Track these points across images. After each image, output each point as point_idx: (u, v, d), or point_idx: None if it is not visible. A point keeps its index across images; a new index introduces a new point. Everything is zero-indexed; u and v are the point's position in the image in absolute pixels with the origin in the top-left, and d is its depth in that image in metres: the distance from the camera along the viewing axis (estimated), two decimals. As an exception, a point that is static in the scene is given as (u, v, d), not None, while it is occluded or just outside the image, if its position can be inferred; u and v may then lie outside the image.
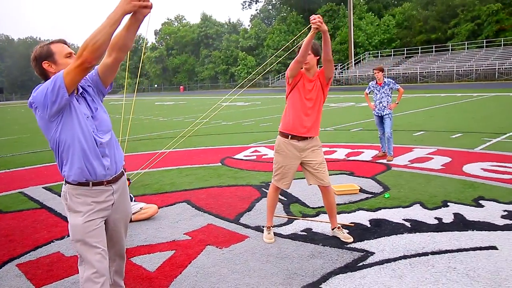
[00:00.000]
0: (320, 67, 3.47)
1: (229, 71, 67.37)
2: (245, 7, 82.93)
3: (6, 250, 3.74)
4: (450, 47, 43.56)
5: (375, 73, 6.72)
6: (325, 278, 2.92)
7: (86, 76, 2.14)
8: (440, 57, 42.84)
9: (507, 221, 3.79)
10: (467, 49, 42.63)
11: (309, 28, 3.06)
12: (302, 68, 3.41)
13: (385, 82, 6.74)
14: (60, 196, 5.37)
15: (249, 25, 74.24)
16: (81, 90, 2.16)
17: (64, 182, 2.20)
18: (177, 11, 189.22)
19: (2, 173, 7.35)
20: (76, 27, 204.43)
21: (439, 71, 38.69)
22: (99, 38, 1.84)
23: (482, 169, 5.74)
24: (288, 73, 3.40)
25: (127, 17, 1.90)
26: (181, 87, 73.76)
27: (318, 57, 3.36)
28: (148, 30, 2.47)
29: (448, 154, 6.86)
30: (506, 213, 4.01)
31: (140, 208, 4.38)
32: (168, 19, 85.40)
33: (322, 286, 2.80)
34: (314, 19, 2.95)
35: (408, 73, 40.82)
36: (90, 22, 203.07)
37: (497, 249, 3.24)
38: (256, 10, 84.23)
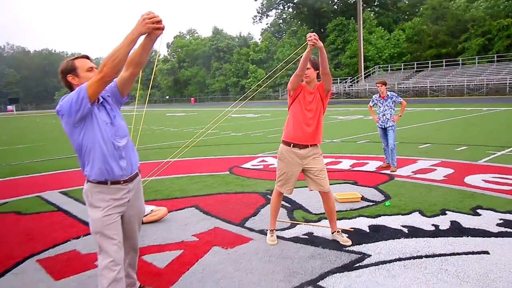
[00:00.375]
0: (320, 80, 3.71)
1: (240, 83, 68.08)
2: (256, 21, 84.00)
3: (26, 247, 4.00)
4: (460, 62, 43.58)
5: (378, 86, 6.95)
6: (322, 276, 3.11)
7: (106, 88, 2.41)
8: (451, 72, 42.85)
9: (502, 229, 3.94)
10: (477, 63, 42.61)
11: (306, 45, 3.32)
12: (302, 81, 3.66)
13: (388, 95, 6.96)
14: (75, 200, 5.67)
15: (259, 39, 75.21)
16: (101, 100, 2.43)
17: (86, 181, 2.46)
18: (189, 25, 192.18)
19: (20, 179, 7.69)
20: (90, 40, 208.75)
21: (450, 85, 38.69)
22: (117, 56, 2.11)
23: (483, 180, 5.89)
24: (289, 86, 3.65)
25: (142, 37, 2.18)
26: (192, 99, 74.67)
27: (317, 71, 3.61)
28: (160, 46, 2.74)
29: (451, 165, 7.00)
30: (501, 221, 4.16)
31: (151, 211, 4.63)
32: (180, 32, 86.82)
33: (320, 284, 3.00)
34: (310, 36, 3.21)
35: (418, 87, 40.87)
36: (102, 34, 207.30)
37: (489, 253, 3.40)
38: (266, 24, 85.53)
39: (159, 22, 2.13)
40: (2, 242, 4.18)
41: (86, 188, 2.45)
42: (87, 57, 2.50)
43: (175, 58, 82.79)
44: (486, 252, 3.42)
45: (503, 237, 3.75)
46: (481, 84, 36.40)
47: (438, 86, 39.58)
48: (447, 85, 38.88)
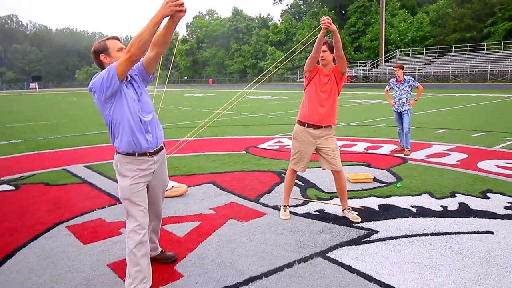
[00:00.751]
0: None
1: (258, 65, 67.78)
2: (276, 2, 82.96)
3: (56, 215, 4.31)
4: (485, 47, 42.34)
5: (395, 70, 6.99)
6: (331, 249, 3.31)
7: (134, 67, 2.60)
8: (474, 57, 41.70)
9: (509, 211, 4.05)
10: (503, 49, 41.32)
11: (320, 29, 3.43)
12: (319, 63, 3.79)
13: (405, 79, 6.99)
14: (99, 174, 5.97)
15: (279, 20, 74.26)
16: (129, 78, 2.62)
17: (115, 152, 2.68)
18: (209, 5, 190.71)
19: (46, 153, 8.07)
20: (110, 19, 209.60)
21: (473, 71, 37.75)
22: (143, 37, 2.29)
23: (496, 165, 5.94)
24: (305, 68, 3.79)
25: (166, 19, 2.34)
26: (210, 79, 74.84)
27: (333, 54, 3.73)
28: (181, 27, 2.91)
29: (465, 151, 7.05)
30: (510, 204, 4.26)
31: (172, 187, 4.88)
32: (199, 12, 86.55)
33: (328, 255, 3.20)
34: (324, 20, 3.33)
35: (440, 72, 40.02)
36: (123, 14, 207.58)
37: (493, 234, 3.53)
38: (287, 5, 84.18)
39: (182, 5, 2.29)
40: (33, 210, 4.50)
41: (116, 159, 2.68)
42: (117, 38, 2.69)
43: (194, 39, 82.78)
44: (491, 232, 3.56)
45: (509, 219, 3.86)
46: (505, 70, 35.39)
47: (460, 71, 38.67)
48: (470, 71, 37.95)
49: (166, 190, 4.74)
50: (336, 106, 3.93)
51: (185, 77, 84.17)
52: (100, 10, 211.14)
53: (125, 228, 2.65)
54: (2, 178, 5.92)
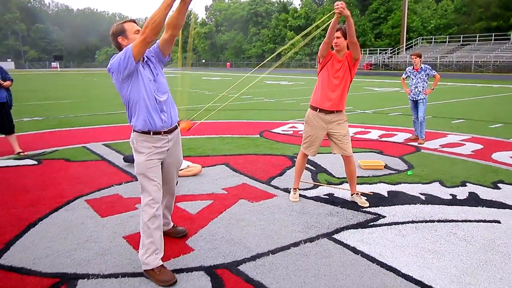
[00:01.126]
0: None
1: (276, 49, 67.29)
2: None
3: (76, 189, 4.52)
4: (511, 36, 41.03)
5: (413, 58, 6.92)
6: (337, 231, 3.41)
7: (150, 48, 2.70)
8: (500, 46, 40.48)
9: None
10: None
11: (334, 14, 3.46)
12: (333, 49, 3.82)
13: (421, 68, 6.93)
14: (116, 152, 6.15)
15: (299, 5, 73.25)
16: (146, 59, 2.72)
17: (132, 130, 2.81)
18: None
19: (67, 130, 8.33)
20: (130, 0, 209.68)
21: (497, 61, 36.69)
22: (156, 19, 2.39)
23: (511, 157, 5.90)
24: (319, 53, 3.84)
25: (178, 1, 2.41)
26: (227, 63, 74.72)
27: (347, 40, 3.75)
28: (195, 7, 2.99)
29: (481, 141, 6.99)
30: (520, 196, 4.27)
31: (187, 166, 5.03)
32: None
33: (334, 236, 3.30)
34: (337, 5, 3.36)
35: (462, 61, 39.05)
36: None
37: (500, 223, 3.57)
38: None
39: None
40: (54, 184, 4.72)
41: (133, 136, 2.81)
42: (134, 21, 2.79)
43: (213, 22, 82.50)
44: (498, 222, 3.59)
45: (518, 209, 3.88)
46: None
47: (484, 61, 37.65)
48: (494, 61, 36.90)
49: (181, 170, 4.91)
50: (346, 92, 3.96)
51: (203, 60, 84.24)
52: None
53: (140, 203, 2.80)
54: (25, 153, 6.17)
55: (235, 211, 3.86)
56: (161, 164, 2.88)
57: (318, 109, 3.95)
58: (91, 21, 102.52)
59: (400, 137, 7.49)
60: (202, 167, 5.27)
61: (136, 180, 4.11)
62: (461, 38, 45.49)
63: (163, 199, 3.01)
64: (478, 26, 46.22)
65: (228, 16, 78.22)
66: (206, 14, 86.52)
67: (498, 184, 4.65)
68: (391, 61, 45.47)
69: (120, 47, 2.72)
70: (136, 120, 2.72)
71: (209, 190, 4.46)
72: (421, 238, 3.27)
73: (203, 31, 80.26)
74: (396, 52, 47.30)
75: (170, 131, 2.84)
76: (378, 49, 49.73)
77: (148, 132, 2.74)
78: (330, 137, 4.03)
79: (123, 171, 5.21)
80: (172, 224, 3.32)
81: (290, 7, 73.88)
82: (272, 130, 8.19)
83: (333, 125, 3.95)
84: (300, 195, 4.25)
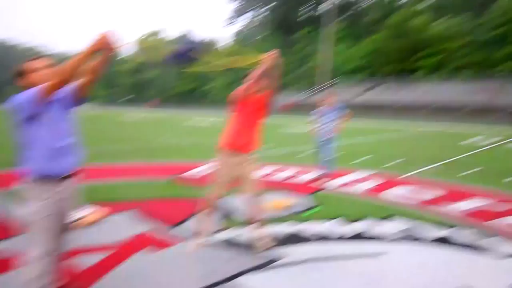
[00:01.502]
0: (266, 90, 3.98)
1: (203, 88, 68.18)
2: (229, 24, 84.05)
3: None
4: (416, 78, 46.12)
5: (325, 99, 7.36)
6: (238, 275, 3.50)
7: (66, 89, 2.61)
8: (405, 88, 45.16)
9: (403, 234, 4.52)
10: (434, 80, 45.05)
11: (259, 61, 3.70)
12: (255, 90, 3.93)
13: (332, 107, 7.32)
14: None
15: (227, 44, 75.40)
16: (55, 100, 2.62)
17: (27, 174, 2.64)
18: (156, 26, 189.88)
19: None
20: (47, 33, 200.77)
21: (403, 102, 40.79)
22: (74, 66, 2.41)
23: (399, 193, 6.55)
24: (234, 93, 3.94)
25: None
26: (153, 101, 73.62)
27: (266, 82, 3.87)
28: (120, 50, 3.09)
29: (379, 178, 7.64)
30: (405, 228, 4.76)
31: (87, 214, 4.78)
32: (148, 32, 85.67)
33: (234, 281, 3.38)
34: (269, 55, 3.66)
35: (373, 101, 42.80)
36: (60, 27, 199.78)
37: (386, 254, 3.95)
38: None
39: (111, 43, 2.50)
40: None
41: (27, 182, 2.64)
42: (39, 58, 2.70)
43: (138, 59, 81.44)
44: (384, 253, 3.96)
45: (398, 242, 4.33)
46: (431, 102, 38.70)
47: (393, 101, 41.59)
48: (400, 101, 40.97)
49: (81, 218, 4.65)
50: (259, 132, 4.08)
51: (127, 97, 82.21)
52: (35, 22, 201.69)
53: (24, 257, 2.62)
54: None
55: (134, 263, 3.74)
56: (56, 212, 2.71)
57: (229, 150, 4.00)
58: (1, 54, 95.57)
59: (309, 176, 7.89)
60: (107, 214, 5.05)
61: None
62: (372, 80, 50.04)
63: (54, 251, 2.81)
64: (387, 69, 51.14)
65: (153, 53, 77.85)
66: (131, 51, 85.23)
67: (388, 219, 5.11)
68: (306, 102, 48.11)
69: (25, 86, 2.62)
70: (33, 164, 2.59)
71: (109, 241, 4.26)
72: (321, 276, 3.48)
73: (125, 69, 78.82)
74: (313, 92, 50.40)
75: (68, 177, 2.74)
76: (295, 89, 52.59)
77: (45, 177, 2.62)
78: (238, 179, 4.08)
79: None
80: (62, 281, 3.12)
81: (219, 46, 75.70)
82: (184, 174, 8.13)
83: (243, 166, 4.02)
84: (204, 241, 4.22)
